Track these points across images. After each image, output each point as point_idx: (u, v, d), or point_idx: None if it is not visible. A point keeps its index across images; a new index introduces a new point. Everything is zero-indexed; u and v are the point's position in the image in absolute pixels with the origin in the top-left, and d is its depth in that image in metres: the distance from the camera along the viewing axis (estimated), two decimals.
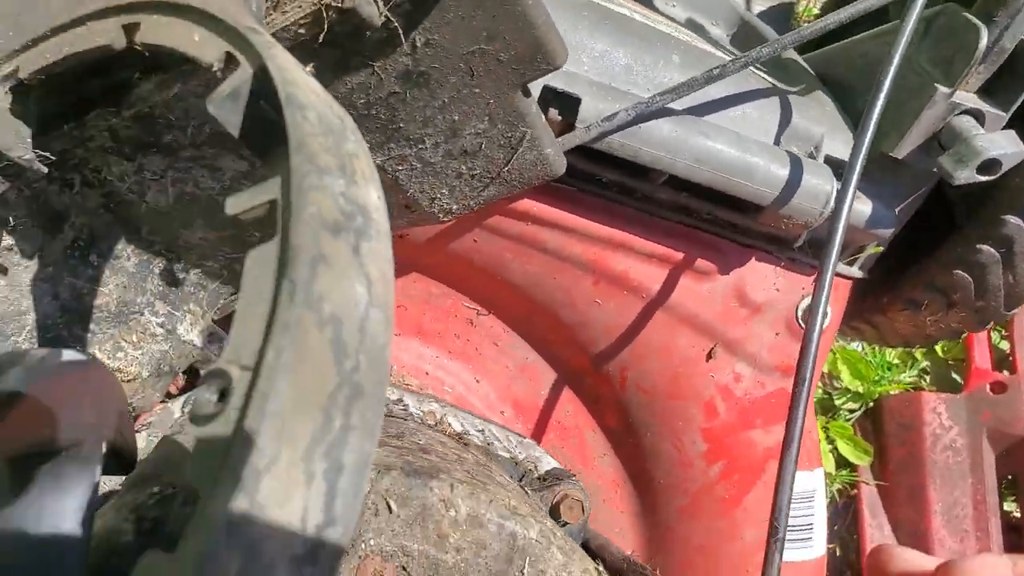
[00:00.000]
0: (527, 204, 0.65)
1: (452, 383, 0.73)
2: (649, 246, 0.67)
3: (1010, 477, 1.36)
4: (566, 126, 0.58)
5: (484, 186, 0.53)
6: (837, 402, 1.35)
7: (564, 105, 0.57)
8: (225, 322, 0.63)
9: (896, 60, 0.58)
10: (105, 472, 0.38)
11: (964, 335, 0.82)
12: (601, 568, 0.42)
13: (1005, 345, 1.41)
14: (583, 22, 0.60)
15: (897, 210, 0.68)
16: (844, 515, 1.30)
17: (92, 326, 0.55)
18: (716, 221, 0.67)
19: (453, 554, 0.38)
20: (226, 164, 0.52)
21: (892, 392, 1.35)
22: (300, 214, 0.24)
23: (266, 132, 0.31)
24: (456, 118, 0.49)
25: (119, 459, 0.35)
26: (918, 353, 1.40)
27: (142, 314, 0.56)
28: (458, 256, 0.67)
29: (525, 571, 0.39)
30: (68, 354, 0.31)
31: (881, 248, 0.71)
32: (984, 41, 0.60)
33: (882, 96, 0.59)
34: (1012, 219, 0.67)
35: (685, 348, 0.70)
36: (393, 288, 0.27)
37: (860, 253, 0.73)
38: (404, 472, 0.39)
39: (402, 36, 0.42)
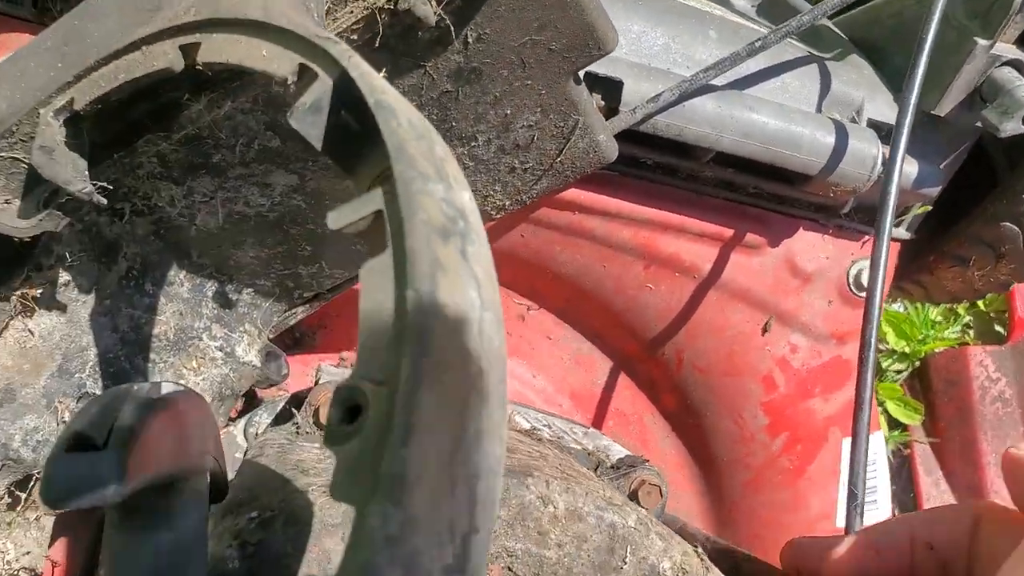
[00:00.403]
0: (572, 193, 0.64)
1: (508, 381, 0.72)
2: (697, 225, 0.66)
3: None
4: (610, 111, 0.58)
5: (536, 179, 0.53)
6: (884, 364, 1.34)
7: (607, 90, 0.57)
8: (280, 340, 0.63)
9: (936, 16, 0.57)
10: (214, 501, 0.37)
11: (1012, 286, 0.81)
12: (699, 549, 0.42)
13: None
14: (617, 4, 0.59)
15: (942, 168, 0.67)
16: (899, 475, 1.30)
17: (153, 356, 0.54)
18: (761, 194, 0.67)
19: (555, 550, 0.38)
20: (276, 180, 0.52)
21: (938, 350, 1.34)
22: (413, 222, 0.24)
23: (350, 142, 0.30)
24: (508, 112, 0.48)
25: (214, 486, 0.35)
26: (960, 308, 1.39)
27: (200, 339, 0.56)
28: (505, 253, 0.67)
29: (627, 560, 0.39)
30: (167, 386, 0.31)
31: (929, 207, 0.70)
32: None
33: (924, 54, 0.58)
34: None
35: (739, 324, 0.70)
36: (498, 288, 0.26)
37: (906, 214, 0.72)
38: None
39: (454, 33, 0.42)
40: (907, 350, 1.33)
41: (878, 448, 0.77)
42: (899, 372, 1.35)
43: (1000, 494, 1.23)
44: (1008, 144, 0.69)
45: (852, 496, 0.54)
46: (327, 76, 0.30)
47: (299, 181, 0.52)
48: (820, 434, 0.73)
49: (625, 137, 0.59)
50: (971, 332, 1.41)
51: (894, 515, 1.14)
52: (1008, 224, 0.70)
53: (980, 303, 1.40)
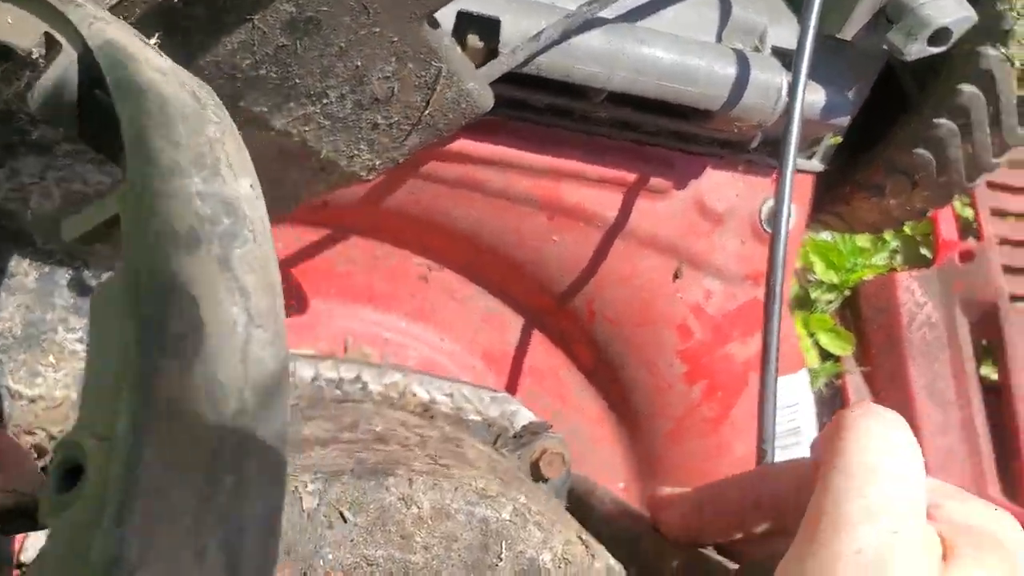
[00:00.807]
0: (461, 144, 0.60)
1: (415, 346, 0.69)
2: (598, 171, 0.63)
3: (984, 342, 1.38)
4: (489, 53, 0.53)
5: (405, 134, 0.48)
6: (814, 295, 1.33)
7: (483, 30, 0.52)
8: None
9: None
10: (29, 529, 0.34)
11: (929, 212, 0.79)
12: (584, 535, 0.39)
13: (970, 212, 1.40)
14: None
15: (851, 95, 0.64)
16: (832, 406, 1.31)
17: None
18: (664, 133, 0.63)
19: (422, 553, 0.35)
20: None
21: (867, 277, 1.34)
22: (143, 232, 0.19)
23: (112, 126, 0.25)
24: (359, 64, 0.43)
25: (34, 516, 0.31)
26: (887, 234, 1.39)
27: (55, 331, 0.51)
28: (396, 212, 0.63)
29: (503, 556, 0.36)
30: None
31: (840, 138, 0.67)
32: None
33: None
34: (966, 88, 0.63)
35: (650, 272, 0.67)
36: (280, 296, 0.22)
37: (817, 145, 0.69)
38: (355, 475, 0.35)
39: None
40: (836, 280, 1.32)
41: (800, 387, 0.75)
42: (829, 303, 1.34)
43: (929, 417, 1.25)
44: (917, 66, 0.66)
45: (763, 454, 0.52)
46: (71, 48, 0.25)
47: None
48: (740, 379, 0.72)
49: (511, 80, 0.54)
50: (899, 257, 1.41)
51: None
52: (920, 150, 0.68)
53: (906, 228, 1.40)
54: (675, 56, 0.55)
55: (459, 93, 0.47)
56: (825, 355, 1.32)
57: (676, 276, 0.67)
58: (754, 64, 0.57)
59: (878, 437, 0.30)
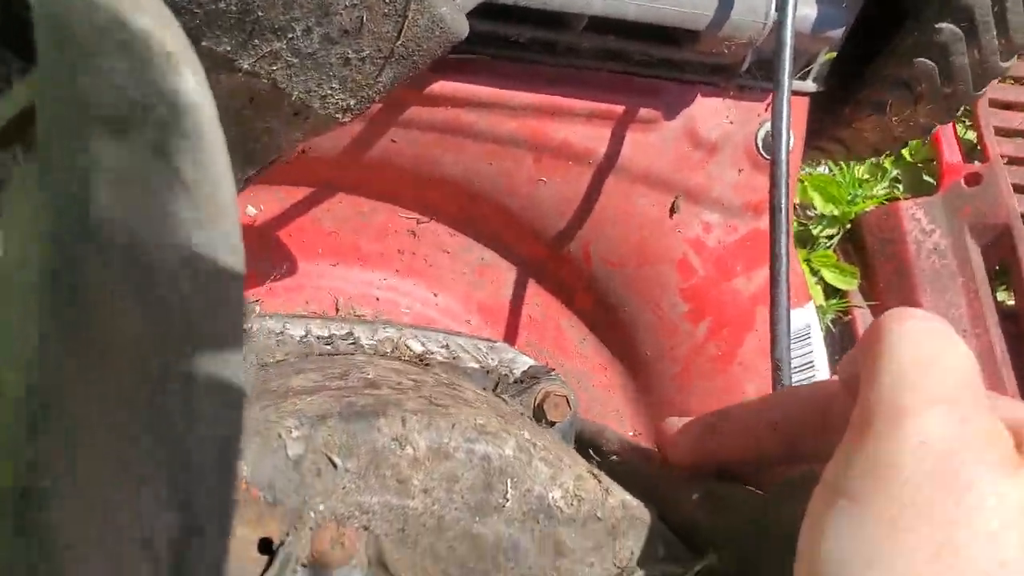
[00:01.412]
0: (441, 86, 0.57)
1: (408, 303, 0.66)
2: (584, 105, 0.60)
3: (998, 267, 1.34)
4: None
5: (379, 69, 0.46)
6: (814, 231, 1.29)
7: None
8: None
9: None
10: None
11: (934, 130, 0.76)
12: (595, 470, 0.37)
13: (972, 135, 1.36)
14: None
15: (845, 5, 0.61)
16: (842, 344, 1.28)
17: None
18: (650, 61, 0.60)
19: (421, 497, 0.33)
20: None
21: (868, 209, 1.30)
22: (59, 114, 0.17)
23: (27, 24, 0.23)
24: None
25: None
26: (887, 163, 1.35)
27: None
28: (378, 163, 0.60)
29: (509, 495, 0.34)
30: None
31: (834, 53, 0.64)
32: None
33: None
34: None
35: (645, 208, 0.64)
36: (234, 201, 0.20)
37: (812, 64, 0.66)
38: (342, 417, 0.33)
39: None
40: (836, 213, 1.28)
41: (811, 319, 0.73)
42: (831, 237, 1.31)
43: None
44: None
45: (778, 372, 0.50)
46: None
47: None
48: (747, 315, 0.69)
49: (487, 13, 0.52)
50: (900, 186, 1.37)
51: None
52: (922, 59, 0.64)
53: (906, 154, 1.36)
54: None
55: (432, 19, 0.44)
56: (830, 292, 1.29)
57: (673, 211, 0.64)
58: None
59: (924, 332, 0.27)
